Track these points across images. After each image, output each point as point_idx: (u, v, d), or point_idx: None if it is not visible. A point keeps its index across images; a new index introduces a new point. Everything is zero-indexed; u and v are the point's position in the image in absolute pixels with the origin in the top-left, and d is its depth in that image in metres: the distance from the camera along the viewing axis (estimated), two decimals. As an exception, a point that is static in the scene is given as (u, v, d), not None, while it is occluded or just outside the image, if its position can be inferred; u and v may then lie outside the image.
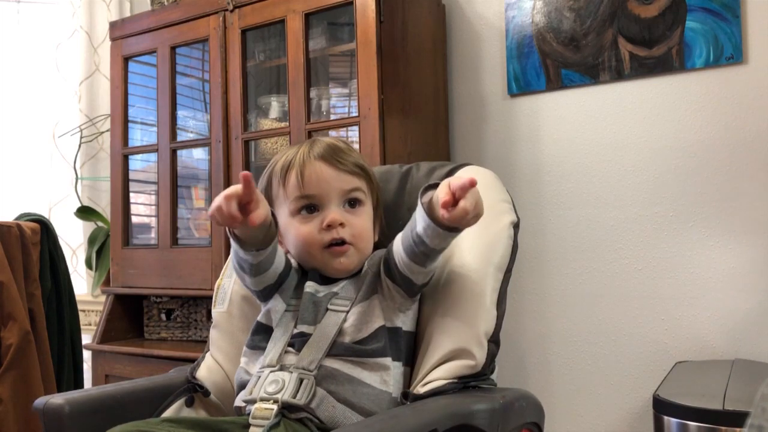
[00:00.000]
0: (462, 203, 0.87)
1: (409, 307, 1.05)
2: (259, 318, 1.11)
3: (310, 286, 1.08)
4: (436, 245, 0.96)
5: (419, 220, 0.96)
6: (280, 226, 1.10)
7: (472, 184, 0.87)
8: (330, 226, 1.05)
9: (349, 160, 1.09)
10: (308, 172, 1.06)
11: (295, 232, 1.07)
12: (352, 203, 1.09)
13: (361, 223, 1.09)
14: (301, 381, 0.96)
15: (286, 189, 1.08)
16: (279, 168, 1.10)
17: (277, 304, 1.09)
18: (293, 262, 1.14)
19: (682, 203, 1.74)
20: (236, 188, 0.90)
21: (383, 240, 1.15)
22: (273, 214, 0.99)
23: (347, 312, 1.03)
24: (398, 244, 1.01)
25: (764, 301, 1.64)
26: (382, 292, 1.04)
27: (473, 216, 0.89)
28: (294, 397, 0.94)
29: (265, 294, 1.10)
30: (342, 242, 1.06)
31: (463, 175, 0.90)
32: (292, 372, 0.97)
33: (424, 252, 0.97)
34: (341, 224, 1.05)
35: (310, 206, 1.07)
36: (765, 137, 1.65)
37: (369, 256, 1.09)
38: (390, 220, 1.19)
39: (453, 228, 0.93)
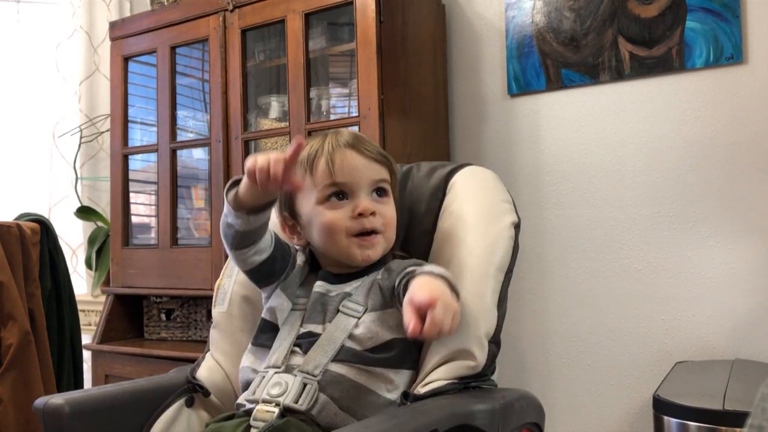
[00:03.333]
0: (430, 316, 0.84)
1: None
2: (263, 315, 1.10)
3: (320, 286, 1.07)
4: None
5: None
6: (304, 215, 1.08)
7: (432, 304, 0.83)
8: (361, 215, 1.03)
9: (375, 149, 1.09)
10: (339, 160, 1.04)
11: (322, 219, 1.04)
12: (380, 192, 1.08)
13: (391, 212, 1.08)
14: (304, 386, 0.95)
15: (314, 177, 1.05)
16: (304, 157, 1.07)
17: (282, 302, 1.08)
18: (299, 258, 1.13)
19: (682, 203, 1.74)
20: (280, 155, 0.90)
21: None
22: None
23: (359, 318, 1.02)
24: None
25: (764, 301, 1.64)
26: (396, 308, 1.03)
27: (450, 328, 0.86)
28: (296, 401, 0.94)
29: (258, 280, 1.09)
30: (372, 232, 1.05)
31: (420, 293, 0.86)
32: (296, 375, 0.97)
33: None
34: (372, 213, 1.04)
35: (339, 194, 1.05)
36: (765, 137, 1.65)
37: (386, 265, 1.08)
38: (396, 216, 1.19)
39: None
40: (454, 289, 0.93)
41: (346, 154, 1.05)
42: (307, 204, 1.07)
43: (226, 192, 0.99)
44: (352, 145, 1.06)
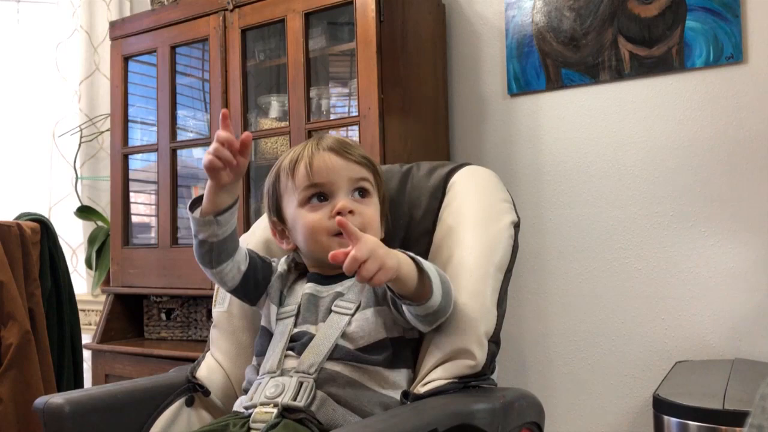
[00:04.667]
0: (352, 252, 0.85)
1: (412, 327, 1.05)
2: (261, 322, 1.11)
3: (309, 288, 1.07)
4: (420, 312, 0.95)
5: None
6: (289, 219, 1.10)
7: (340, 223, 0.87)
8: (339, 214, 1.04)
9: (357, 152, 1.10)
10: (317, 162, 1.06)
11: (303, 220, 1.06)
12: (361, 193, 1.09)
13: (371, 213, 1.09)
14: (300, 384, 0.95)
15: (294, 180, 1.08)
16: (287, 163, 1.10)
17: (271, 311, 1.09)
18: (280, 267, 1.14)
19: (682, 203, 1.74)
20: (221, 134, 0.96)
21: (387, 239, 1.15)
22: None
23: (351, 316, 1.02)
24: None
25: (764, 301, 1.64)
26: (389, 307, 1.03)
27: (375, 270, 0.85)
28: (294, 399, 0.94)
29: (247, 297, 1.12)
30: None
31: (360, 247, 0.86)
32: (292, 376, 0.97)
33: (419, 318, 0.97)
34: (351, 212, 1.05)
35: (319, 195, 1.07)
36: (765, 137, 1.65)
37: None
38: (390, 220, 1.19)
39: (414, 302, 0.93)
40: (420, 268, 0.93)
41: (325, 156, 1.07)
42: (290, 207, 1.09)
43: (189, 209, 1.02)
44: (333, 148, 1.08)
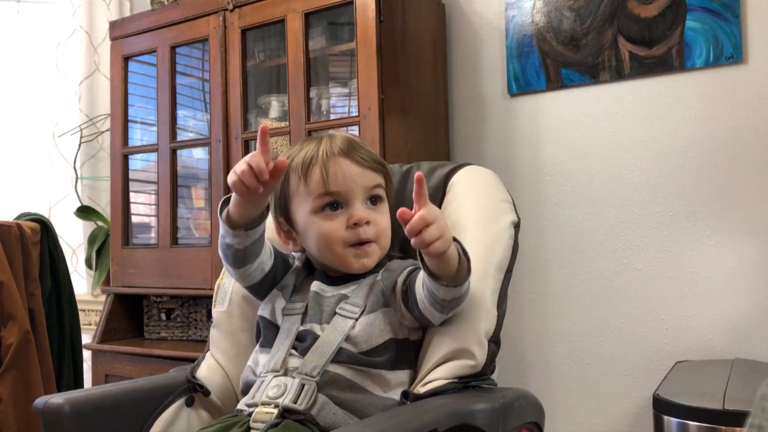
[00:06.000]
0: (421, 212, 0.87)
1: (418, 326, 1.05)
2: (261, 313, 1.10)
3: (315, 286, 1.07)
4: (446, 297, 0.94)
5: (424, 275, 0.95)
6: (300, 223, 1.08)
7: (419, 179, 0.88)
8: (357, 225, 1.04)
9: (369, 156, 1.08)
10: (333, 169, 1.04)
11: (317, 229, 1.05)
12: (374, 200, 1.08)
13: (384, 221, 1.08)
14: (302, 386, 0.95)
15: (308, 185, 1.05)
16: (299, 163, 1.07)
17: (280, 303, 1.09)
18: (297, 262, 1.14)
19: (682, 203, 1.74)
20: (254, 153, 0.92)
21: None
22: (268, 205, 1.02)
23: (356, 320, 1.02)
24: (419, 287, 0.98)
25: (764, 301, 1.64)
26: (394, 308, 1.03)
27: (437, 237, 0.86)
28: (295, 402, 0.94)
29: (259, 293, 1.11)
30: (367, 241, 1.05)
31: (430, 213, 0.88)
32: (294, 377, 0.97)
33: (440, 303, 0.95)
34: (367, 222, 1.05)
35: (333, 203, 1.05)
36: (765, 137, 1.65)
37: (385, 266, 1.08)
38: (391, 221, 1.19)
39: (449, 282, 0.91)
40: (464, 253, 0.93)
41: (341, 163, 1.05)
42: (302, 212, 1.07)
43: (219, 211, 1.00)
44: (347, 152, 1.06)
